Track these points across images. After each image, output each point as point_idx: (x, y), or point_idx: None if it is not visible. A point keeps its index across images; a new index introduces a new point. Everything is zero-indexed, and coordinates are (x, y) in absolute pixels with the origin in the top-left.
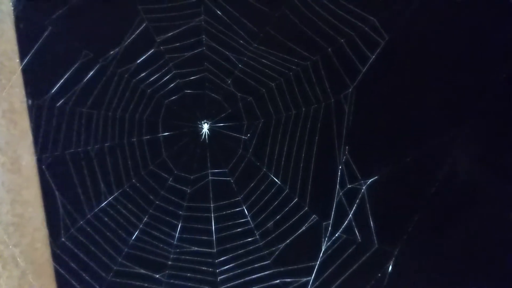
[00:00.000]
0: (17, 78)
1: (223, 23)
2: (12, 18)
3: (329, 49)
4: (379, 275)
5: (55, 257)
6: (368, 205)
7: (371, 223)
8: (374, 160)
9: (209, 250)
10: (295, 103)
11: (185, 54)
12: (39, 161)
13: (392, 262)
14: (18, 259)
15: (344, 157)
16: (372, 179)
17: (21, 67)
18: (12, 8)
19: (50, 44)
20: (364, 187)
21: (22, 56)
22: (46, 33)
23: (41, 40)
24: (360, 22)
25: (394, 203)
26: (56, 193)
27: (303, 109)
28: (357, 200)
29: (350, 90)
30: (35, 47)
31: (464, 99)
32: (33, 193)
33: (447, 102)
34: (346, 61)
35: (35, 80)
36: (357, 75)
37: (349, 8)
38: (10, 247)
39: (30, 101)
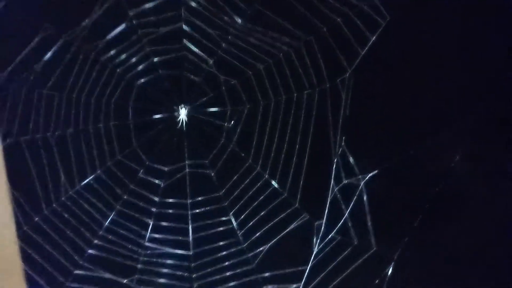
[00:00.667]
0: None
1: None
2: None
3: (325, 29)
4: (377, 281)
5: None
6: (366, 203)
7: (369, 223)
8: (373, 153)
9: (185, 252)
10: (286, 88)
11: (161, 29)
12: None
13: (391, 267)
14: None
15: (340, 149)
16: (371, 174)
17: None
18: None
19: (7, 16)
20: (362, 183)
21: None
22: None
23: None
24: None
25: (395, 201)
26: (8, 186)
27: (295, 94)
28: (354, 197)
29: (347, 74)
30: None
31: (472, 85)
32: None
33: (454, 88)
34: (343, 42)
35: None
36: (355, 58)
37: None
38: None
39: None
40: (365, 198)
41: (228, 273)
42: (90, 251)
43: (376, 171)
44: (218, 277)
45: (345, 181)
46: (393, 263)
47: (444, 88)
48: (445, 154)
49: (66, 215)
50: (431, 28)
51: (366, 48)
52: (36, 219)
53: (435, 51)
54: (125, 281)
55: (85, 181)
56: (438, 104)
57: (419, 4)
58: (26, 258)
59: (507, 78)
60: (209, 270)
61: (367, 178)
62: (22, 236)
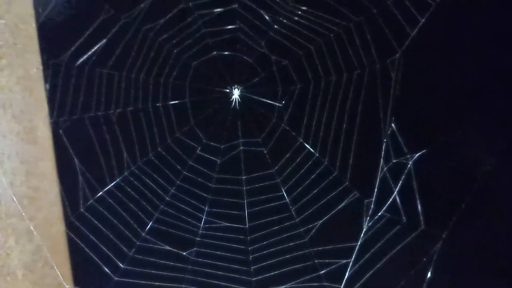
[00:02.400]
0: (33, 43)
1: None
2: None
3: (374, 10)
4: (425, 259)
5: (72, 230)
6: (415, 182)
7: (418, 202)
8: (422, 133)
9: (241, 225)
10: (336, 68)
11: (216, 11)
12: (56, 124)
13: (439, 245)
14: (33, 233)
15: (390, 128)
16: (419, 153)
17: (37, 33)
18: None
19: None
20: (410, 162)
21: (38, 19)
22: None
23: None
24: None
25: (444, 181)
26: (75, 160)
27: (345, 74)
28: (403, 176)
29: (397, 55)
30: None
31: None
32: (49, 165)
33: (505, 70)
34: (393, 23)
35: (53, 39)
36: (405, 40)
37: None
38: (24, 221)
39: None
40: (414, 177)
41: (281, 247)
42: (151, 224)
43: (424, 151)
44: (272, 249)
45: (394, 161)
46: (441, 241)
47: (494, 69)
48: (492, 136)
49: (128, 189)
50: (480, 10)
51: (416, 30)
52: (101, 193)
53: (484, 33)
54: (184, 253)
55: (146, 158)
56: (487, 86)
57: None
58: (91, 228)
59: None
60: (264, 243)
61: (415, 157)
62: (88, 208)
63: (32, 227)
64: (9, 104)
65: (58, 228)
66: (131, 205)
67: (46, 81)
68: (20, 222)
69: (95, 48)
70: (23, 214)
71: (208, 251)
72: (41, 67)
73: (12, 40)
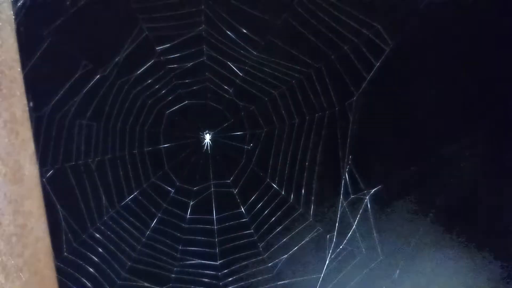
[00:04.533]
0: (19, 87)
1: (224, 33)
2: (13, 26)
3: (332, 56)
4: (384, 287)
5: (59, 271)
6: (371, 216)
7: (375, 234)
8: (378, 170)
9: (213, 262)
10: (298, 112)
11: (186, 64)
12: (40, 174)
13: (397, 273)
14: (21, 270)
15: (348, 166)
16: (375, 189)
17: (22, 77)
18: (13, 16)
19: (51, 54)
20: (367, 197)
21: (23, 65)
22: (45, 45)
23: (40, 51)
24: (364, 28)
25: (399, 214)
26: (58, 206)
27: (307, 117)
28: (361, 210)
29: (354, 98)
30: (34, 58)
31: (471, 107)
32: (35, 203)
33: (454, 109)
34: (350, 68)
35: (36, 90)
36: (361, 83)
37: (352, 14)
38: (13, 258)
39: (31, 103)
40: (370, 211)
41: (251, 280)
42: (130, 263)
43: (380, 186)
44: (242, 283)
45: (352, 196)
46: (397, 270)
47: (444, 109)
48: (442, 171)
49: (108, 232)
50: (431, 54)
51: (372, 73)
52: (83, 236)
53: (436, 76)
54: None
55: (124, 202)
56: (438, 126)
57: (419, 31)
58: (75, 267)
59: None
60: (234, 277)
61: (372, 192)
62: (71, 251)
63: (20, 265)
64: None
65: (46, 262)
66: (111, 246)
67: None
68: (9, 260)
69: (74, 100)
70: (11, 253)
71: (183, 286)
72: (26, 108)
73: None
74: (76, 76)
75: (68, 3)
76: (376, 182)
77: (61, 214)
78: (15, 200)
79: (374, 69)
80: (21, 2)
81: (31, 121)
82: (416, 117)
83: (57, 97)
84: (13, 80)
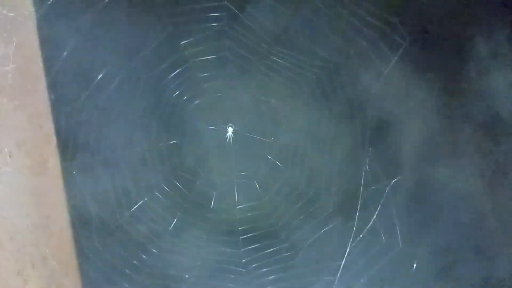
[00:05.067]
0: (42, 83)
1: (246, 27)
2: (35, 22)
3: (351, 51)
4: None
5: (85, 261)
6: (392, 206)
7: (395, 223)
8: (398, 160)
9: (236, 250)
10: (318, 106)
11: (209, 57)
12: (69, 167)
13: (415, 262)
14: (46, 259)
15: (368, 158)
16: (396, 179)
17: (45, 72)
18: (35, 12)
19: (75, 50)
20: (388, 187)
21: (45, 60)
22: (70, 41)
23: (66, 52)
24: (381, 22)
25: (418, 203)
26: (87, 198)
27: (326, 111)
28: (382, 201)
29: (373, 91)
30: (61, 55)
31: (490, 100)
32: (59, 195)
33: (472, 102)
34: (368, 62)
35: (61, 86)
36: (380, 77)
37: (369, 8)
38: (39, 248)
39: (53, 96)
40: (391, 201)
41: (273, 267)
42: (157, 252)
43: (400, 176)
44: (265, 269)
45: (373, 187)
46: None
47: (461, 103)
48: (464, 162)
49: (135, 223)
50: (449, 46)
51: (389, 67)
52: (113, 227)
53: (454, 67)
54: (187, 275)
55: (151, 194)
56: (458, 118)
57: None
58: (101, 258)
59: None
60: (257, 263)
61: (391, 183)
62: (99, 241)
63: (46, 254)
64: (23, 141)
65: (70, 252)
66: (138, 237)
67: (55, 123)
68: (36, 250)
69: (102, 95)
70: (38, 242)
71: (209, 273)
72: (49, 103)
73: (23, 82)
74: (102, 72)
75: None
76: (397, 172)
77: (89, 206)
78: (40, 192)
79: (391, 63)
80: None
81: (59, 117)
82: (435, 109)
83: (85, 93)
84: (36, 76)
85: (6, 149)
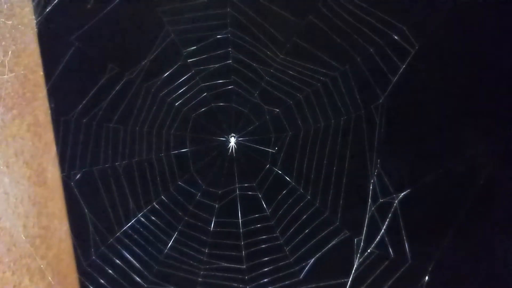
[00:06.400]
0: (41, 91)
1: (250, 35)
2: (35, 31)
3: (358, 59)
4: None
5: (84, 274)
6: (401, 220)
7: (404, 238)
8: (406, 173)
9: (239, 266)
10: (324, 115)
11: (212, 66)
12: (68, 178)
13: (426, 278)
14: (45, 271)
15: (376, 170)
16: (404, 193)
17: (45, 81)
18: (35, 21)
19: (75, 58)
20: (396, 201)
21: (45, 69)
22: (71, 50)
23: (67, 57)
24: (390, 30)
25: (428, 217)
26: (86, 210)
27: (333, 121)
28: (390, 215)
29: (381, 100)
30: (60, 63)
31: (499, 108)
32: (58, 205)
33: (482, 111)
34: (376, 70)
35: (61, 95)
36: (387, 85)
37: (377, 16)
38: (37, 259)
39: (53, 105)
40: (399, 215)
41: (278, 285)
42: (157, 267)
43: (409, 190)
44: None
45: (381, 200)
46: (427, 274)
47: (472, 110)
48: (470, 173)
49: (135, 236)
50: (457, 55)
51: (397, 75)
52: (111, 240)
53: (463, 77)
54: None
55: (150, 205)
56: (466, 127)
57: (445, 32)
58: (99, 271)
59: None
60: (260, 282)
61: (400, 196)
62: (98, 254)
63: (43, 266)
64: (21, 151)
65: (68, 263)
66: (137, 251)
67: (56, 134)
68: (33, 261)
69: (101, 104)
70: (35, 254)
71: None
72: (49, 112)
73: (22, 90)
74: (103, 79)
75: (89, 6)
76: (405, 185)
77: (88, 218)
78: (39, 202)
79: (400, 71)
80: (41, 6)
81: (58, 125)
82: (444, 119)
83: (84, 101)
84: (36, 84)
85: (3, 159)
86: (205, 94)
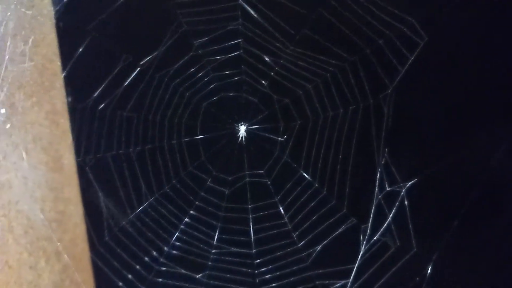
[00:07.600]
0: (59, 80)
1: (260, 26)
2: (53, 21)
3: (367, 50)
4: (417, 279)
5: (97, 256)
6: (407, 208)
7: (410, 227)
8: (414, 163)
9: (248, 251)
10: (332, 105)
11: (223, 57)
12: (83, 162)
13: (430, 266)
14: (60, 254)
15: (384, 159)
16: (411, 182)
17: (62, 70)
18: (53, 12)
19: (91, 48)
20: (403, 190)
21: (63, 58)
22: (86, 40)
23: (82, 46)
24: (398, 22)
25: (434, 207)
26: (100, 194)
27: (341, 110)
28: (397, 203)
29: (389, 91)
30: (76, 53)
31: (508, 98)
32: (73, 190)
33: (490, 102)
34: (384, 62)
35: (77, 83)
36: (396, 76)
37: (387, 9)
38: (53, 243)
39: (70, 99)
40: (406, 204)
41: (285, 270)
42: (168, 250)
43: (416, 179)
44: (277, 273)
45: (388, 189)
46: (431, 263)
47: (480, 101)
48: (478, 164)
49: (147, 219)
50: (466, 47)
51: (406, 67)
52: (123, 222)
53: (471, 68)
54: (198, 276)
55: (162, 190)
56: (474, 118)
57: (454, 24)
58: (112, 253)
59: None
60: (269, 267)
61: (408, 185)
62: (111, 237)
63: (60, 248)
64: (39, 137)
65: (83, 248)
66: (149, 234)
67: (72, 122)
68: (50, 244)
69: (116, 92)
70: (53, 237)
71: (219, 274)
72: (65, 100)
73: (40, 79)
74: (117, 69)
75: None
76: (413, 175)
77: (102, 202)
78: (55, 188)
79: (408, 62)
80: None
81: (74, 113)
82: (452, 110)
83: (99, 90)
84: (54, 73)
85: (22, 144)
86: (216, 84)
